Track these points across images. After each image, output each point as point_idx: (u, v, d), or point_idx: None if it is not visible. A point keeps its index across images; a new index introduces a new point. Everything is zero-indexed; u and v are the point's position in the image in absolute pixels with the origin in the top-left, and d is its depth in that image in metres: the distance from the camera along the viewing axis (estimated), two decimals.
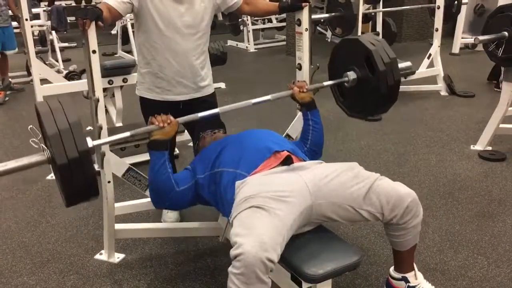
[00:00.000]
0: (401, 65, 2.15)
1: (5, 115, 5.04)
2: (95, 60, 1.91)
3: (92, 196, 1.61)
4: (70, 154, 1.48)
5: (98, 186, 1.61)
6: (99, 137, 2.01)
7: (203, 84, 2.44)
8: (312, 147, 2.19)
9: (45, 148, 1.56)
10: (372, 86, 2.12)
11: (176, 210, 2.67)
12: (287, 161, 1.85)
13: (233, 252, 1.48)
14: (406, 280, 1.92)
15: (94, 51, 1.89)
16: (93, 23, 1.85)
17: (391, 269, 1.97)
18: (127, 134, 1.80)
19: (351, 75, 2.17)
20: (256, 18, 8.50)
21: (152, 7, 2.19)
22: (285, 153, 1.88)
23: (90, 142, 1.60)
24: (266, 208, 1.61)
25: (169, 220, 2.68)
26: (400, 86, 2.15)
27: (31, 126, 1.61)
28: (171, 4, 2.21)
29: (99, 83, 1.95)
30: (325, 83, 2.26)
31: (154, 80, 2.35)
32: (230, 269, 1.48)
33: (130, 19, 6.71)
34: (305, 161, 1.95)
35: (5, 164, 1.51)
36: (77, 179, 1.52)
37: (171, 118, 1.86)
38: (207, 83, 2.47)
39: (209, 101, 2.47)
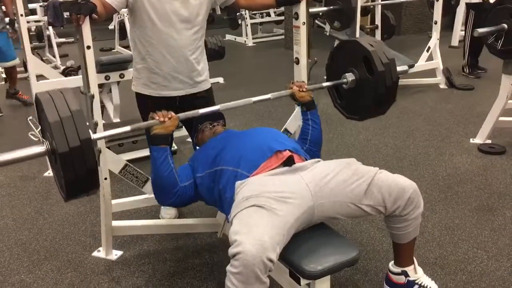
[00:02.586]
0: (399, 68, 2.16)
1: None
2: (90, 55, 1.89)
3: (92, 189, 1.59)
4: (71, 143, 1.45)
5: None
6: (94, 133, 1.99)
7: (200, 79, 2.41)
8: (311, 146, 2.17)
9: (44, 140, 1.53)
10: (370, 87, 2.12)
11: (178, 207, 2.66)
12: (288, 162, 1.82)
13: (232, 250, 1.45)
14: (405, 274, 1.91)
15: (88, 47, 1.87)
16: (87, 18, 1.83)
17: (391, 263, 1.96)
18: (127, 128, 1.79)
19: (350, 76, 2.18)
20: (254, 12, 8.46)
21: (147, 1, 2.16)
22: (287, 153, 1.84)
23: (91, 135, 1.58)
24: (267, 208, 1.59)
25: (167, 216, 2.67)
26: (399, 80, 2.14)
27: (30, 117, 1.59)
28: None
29: (94, 79, 1.94)
30: (324, 84, 2.26)
31: (149, 76, 2.33)
32: (228, 268, 1.46)
33: (128, 14, 6.66)
34: (306, 159, 1.93)
35: (1, 155, 1.48)
36: (78, 169, 1.48)
37: (172, 113, 1.87)
38: (204, 78, 2.44)
39: (205, 97, 2.46)
